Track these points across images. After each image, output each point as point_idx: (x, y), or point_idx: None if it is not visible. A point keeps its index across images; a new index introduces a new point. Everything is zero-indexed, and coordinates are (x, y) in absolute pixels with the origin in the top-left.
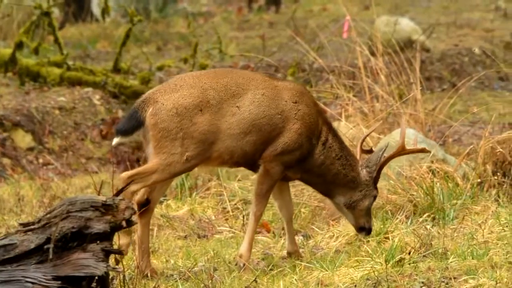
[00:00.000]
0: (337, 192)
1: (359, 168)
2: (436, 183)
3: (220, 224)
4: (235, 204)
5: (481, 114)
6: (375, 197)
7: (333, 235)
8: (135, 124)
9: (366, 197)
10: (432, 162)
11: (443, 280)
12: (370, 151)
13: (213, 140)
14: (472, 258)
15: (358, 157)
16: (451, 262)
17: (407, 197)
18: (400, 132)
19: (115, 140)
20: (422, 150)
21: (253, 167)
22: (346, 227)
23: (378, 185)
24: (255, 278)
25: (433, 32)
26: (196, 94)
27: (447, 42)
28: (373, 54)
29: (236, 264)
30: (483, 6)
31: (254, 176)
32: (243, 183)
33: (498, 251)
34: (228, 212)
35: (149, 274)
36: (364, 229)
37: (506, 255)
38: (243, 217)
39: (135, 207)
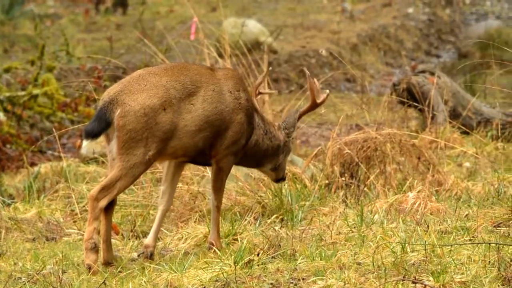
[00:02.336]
0: (266, 162)
1: (278, 131)
2: (284, 185)
3: (68, 227)
4: (84, 206)
5: (328, 115)
6: (290, 149)
7: (182, 237)
8: (104, 125)
9: (286, 155)
10: None
11: (291, 281)
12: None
13: (170, 137)
14: (321, 259)
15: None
16: (299, 263)
17: (256, 198)
18: (309, 88)
19: (85, 143)
20: (328, 95)
21: (201, 161)
22: (194, 229)
23: (227, 186)
24: (104, 280)
25: (280, 34)
26: (161, 94)
27: (294, 43)
28: (220, 55)
29: (209, 249)
30: (329, 8)
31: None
32: (92, 185)
33: (346, 252)
34: (76, 214)
35: (110, 262)
36: (281, 179)
37: (354, 256)
38: None
39: None
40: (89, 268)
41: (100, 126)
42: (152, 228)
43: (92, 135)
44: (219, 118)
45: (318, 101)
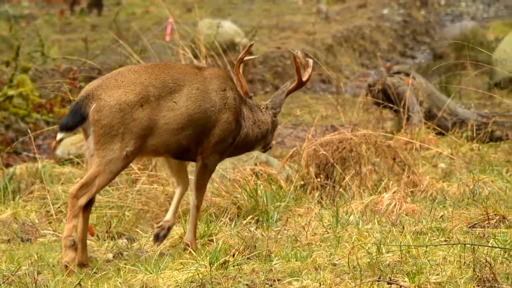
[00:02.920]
0: (256, 146)
1: (266, 113)
2: (260, 186)
3: (43, 228)
4: (59, 207)
5: (303, 116)
6: (278, 124)
7: None
8: (79, 119)
9: (274, 130)
10: (255, 164)
11: (267, 282)
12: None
13: (150, 134)
14: (296, 260)
15: (241, 83)
16: (275, 264)
17: (231, 199)
18: (295, 68)
19: (59, 136)
20: (312, 69)
21: (187, 158)
22: (170, 231)
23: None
24: (79, 281)
25: (256, 35)
26: (138, 90)
27: (270, 44)
28: (196, 56)
29: (184, 250)
30: (304, 9)
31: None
32: (67, 186)
33: (322, 253)
34: (51, 215)
35: (85, 263)
36: (268, 149)
37: (329, 257)
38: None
39: None
40: (66, 266)
41: (75, 120)
42: (170, 207)
43: (66, 127)
44: (203, 117)
45: (304, 79)
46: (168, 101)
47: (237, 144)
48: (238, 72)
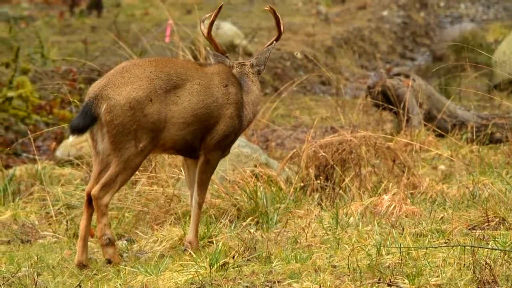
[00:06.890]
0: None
1: (255, 80)
2: (260, 187)
3: (43, 229)
4: (59, 209)
5: (303, 118)
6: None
7: (157, 240)
8: (90, 120)
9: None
10: (255, 166)
11: (267, 283)
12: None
13: (161, 128)
14: (296, 262)
15: (215, 44)
16: (275, 266)
17: (231, 201)
18: (276, 22)
19: (71, 138)
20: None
21: (190, 155)
22: (170, 232)
23: None
24: (80, 283)
25: (255, 36)
26: (145, 85)
27: None
28: (196, 58)
29: (184, 250)
30: (304, 10)
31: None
32: (66, 187)
33: (321, 254)
34: (51, 217)
35: (85, 263)
36: None
37: (329, 259)
38: (67, 222)
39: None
40: (109, 261)
41: (86, 121)
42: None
43: (78, 130)
44: (206, 112)
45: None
46: (172, 95)
47: (243, 128)
48: (209, 34)
